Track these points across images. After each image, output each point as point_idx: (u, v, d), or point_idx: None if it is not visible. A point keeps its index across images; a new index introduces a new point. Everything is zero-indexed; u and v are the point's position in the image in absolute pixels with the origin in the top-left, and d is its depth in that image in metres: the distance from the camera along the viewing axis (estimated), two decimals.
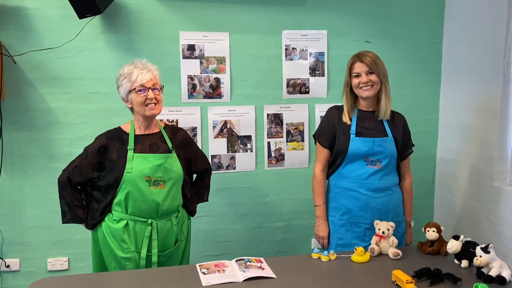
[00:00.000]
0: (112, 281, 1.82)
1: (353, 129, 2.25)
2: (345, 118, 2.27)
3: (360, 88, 2.21)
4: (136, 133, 2.11)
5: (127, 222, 2.04)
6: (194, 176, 2.38)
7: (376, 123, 2.27)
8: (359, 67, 2.21)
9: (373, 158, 2.23)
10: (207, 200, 2.39)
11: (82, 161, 2.06)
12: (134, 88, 2.03)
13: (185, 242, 2.25)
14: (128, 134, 2.10)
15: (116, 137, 2.09)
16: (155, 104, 2.06)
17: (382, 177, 2.24)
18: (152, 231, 2.05)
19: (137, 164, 2.03)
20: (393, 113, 2.31)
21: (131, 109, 2.11)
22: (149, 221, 2.05)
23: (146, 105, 2.05)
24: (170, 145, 2.14)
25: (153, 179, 2.04)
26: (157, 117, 2.19)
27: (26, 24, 2.65)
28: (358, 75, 2.21)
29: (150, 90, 2.05)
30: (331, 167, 2.35)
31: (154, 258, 2.06)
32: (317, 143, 2.38)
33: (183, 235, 2.21)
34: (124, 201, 2.03)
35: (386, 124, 2.28)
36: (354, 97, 2.29)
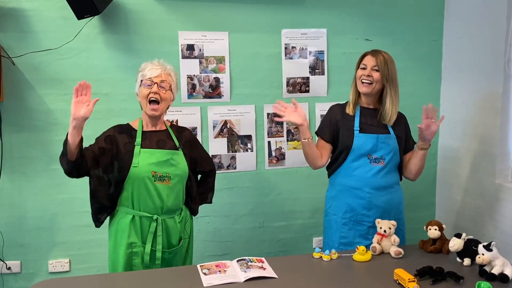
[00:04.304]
0: (114, 282, 1.82)
1: (356, 125, 2.25)
2: (349, 110, 2.28)
3: (361, 81, 2.22)
4: (144, 129, 2.14)
5: (133, 217, 2.05)
6: (199, 176, 2.38)
7: (378, 120, 2.27)
8: (368, 60, 2.23)
9: (376, 155, 2.23)
10: (211, 202, 2.38)
11: (90, 145, 2.08)
12: (143, 81, 2.06)
13: (188, 241, 2.26)
14: (136, 130, 2.12)
15: (125, 131, 2.12)
16: (158, 103, 2.06)
17: (385, 175, 2.25)
18: (157, 227, 2.06)
19: (144, 159, 2.04)
20: None
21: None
22: (155, 217, 2.06)
23: (149, 102, 2.06)
24: (176, 142, 2.16)
25: (159, 174, 2.05)
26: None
27: (25, 26, 2.65)
28: (364, 68, 2.23)
29: (156, 85, 2.06)
30: (334, 164, 2.34)
31: (158, 254, 2.07)
32: (318, 138, 2.37)
33: (186, 233, 2.22)
34: (131, 195, 2.05)
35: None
36: (358, 92, 2.30)
